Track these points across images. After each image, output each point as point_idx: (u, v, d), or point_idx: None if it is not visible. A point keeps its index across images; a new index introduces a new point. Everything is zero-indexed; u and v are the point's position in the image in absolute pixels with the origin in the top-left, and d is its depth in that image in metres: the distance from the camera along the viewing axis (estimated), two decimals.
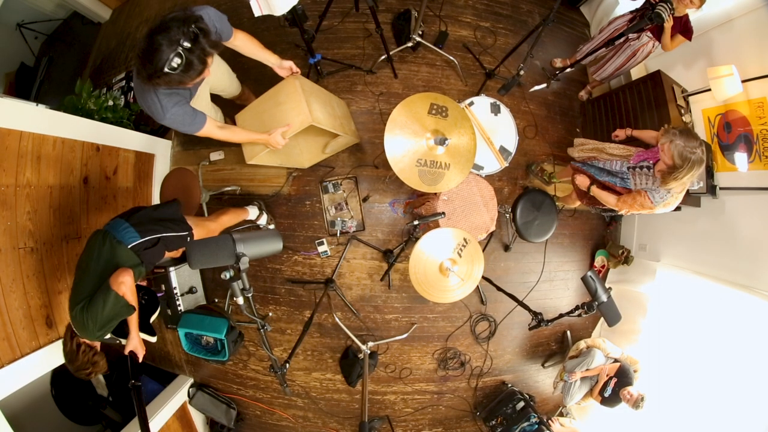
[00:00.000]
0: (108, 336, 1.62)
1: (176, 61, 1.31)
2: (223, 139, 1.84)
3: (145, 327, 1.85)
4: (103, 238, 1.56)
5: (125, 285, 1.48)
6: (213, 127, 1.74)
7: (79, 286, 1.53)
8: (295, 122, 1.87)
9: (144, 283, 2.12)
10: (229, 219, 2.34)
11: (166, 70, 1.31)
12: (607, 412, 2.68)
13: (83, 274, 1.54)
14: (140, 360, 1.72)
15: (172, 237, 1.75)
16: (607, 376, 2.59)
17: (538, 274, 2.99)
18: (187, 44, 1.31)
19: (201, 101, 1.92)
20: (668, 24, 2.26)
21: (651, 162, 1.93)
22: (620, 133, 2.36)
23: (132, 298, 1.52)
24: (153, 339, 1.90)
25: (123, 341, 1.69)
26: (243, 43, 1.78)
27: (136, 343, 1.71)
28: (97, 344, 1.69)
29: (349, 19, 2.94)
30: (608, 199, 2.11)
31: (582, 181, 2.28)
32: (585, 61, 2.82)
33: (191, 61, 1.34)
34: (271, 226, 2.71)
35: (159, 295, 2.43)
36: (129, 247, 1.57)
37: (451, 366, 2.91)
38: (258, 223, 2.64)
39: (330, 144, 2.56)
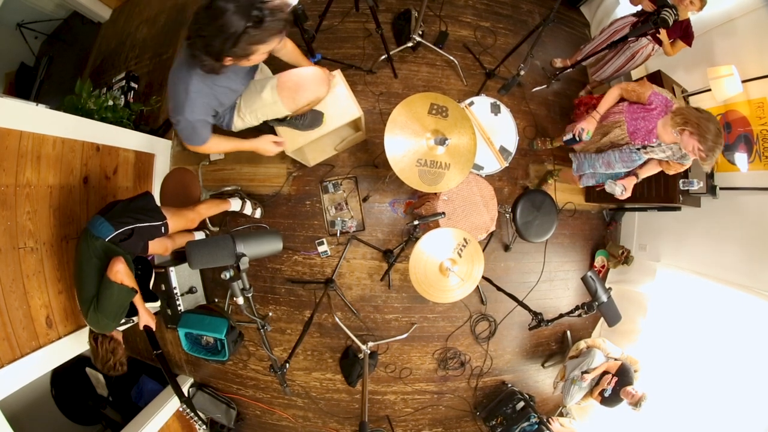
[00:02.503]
0: (123, 320, 1.77)
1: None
2: (216, 150, 1.88)
3: (147, 295, 2.01)
4: (86, 238, 1.67)
5: (120, 273, 1.62)
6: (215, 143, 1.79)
7: (83, 292, 1.67)
8: (340, 116, 2.06)
9: None
10: (207, 208, 2.36)
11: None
12: (607, 412, 2.68)
13: (81, 278, 1.67)
14: (154, 328, 1.90)
15: (145, 227, 1.82)
16: (605, 372, 2.59)
17: (538, 274, 2.99)
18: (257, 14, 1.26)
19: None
20: (664, 35, 2.29)
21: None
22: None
23: (130, 281, 1.66)
24: (158, 304, 2.08)
25: (135, 319, 1.88)
26: (288, 51, 1.81)
27: (146, 317, 1.87)
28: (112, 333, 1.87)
29: (349, 19, 2.94)
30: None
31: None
32: (585, 62, 2.82)
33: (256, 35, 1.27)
34: (258, 211, 2.70)
35: (150, 259, 2.53)
36: (107, 240, 1.67)
37: (451, 366, 2.91)
38: (244, 212, 2.63)
39: (343, 141, 2.57)
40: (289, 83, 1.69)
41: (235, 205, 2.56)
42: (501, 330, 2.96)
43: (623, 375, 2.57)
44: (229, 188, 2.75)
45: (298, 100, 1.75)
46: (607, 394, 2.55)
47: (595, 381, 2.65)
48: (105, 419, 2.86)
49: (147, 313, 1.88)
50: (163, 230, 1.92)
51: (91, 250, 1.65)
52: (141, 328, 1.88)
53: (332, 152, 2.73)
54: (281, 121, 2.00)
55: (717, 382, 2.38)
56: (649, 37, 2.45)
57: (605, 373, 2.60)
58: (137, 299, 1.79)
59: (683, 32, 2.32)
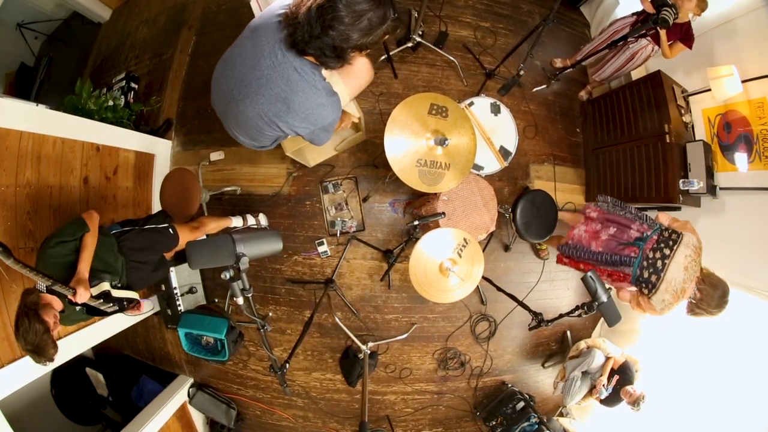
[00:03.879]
0: (57, 283, 1.39)
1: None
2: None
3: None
4: None
5: (90, 213, 1.61)
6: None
7: None
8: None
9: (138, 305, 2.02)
10: (210, 220, 2.42)
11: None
12: (607, 412, 2.68)
13: None
14: (77, 300, 1.44)
15: (151, 229, 1.85)
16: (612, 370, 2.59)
17: (538, 274, 2.99)
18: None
19: None
20: (663, 35, 2.28)
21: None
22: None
23: (93, 225, 1.58)
24: (104, 285, 1.61)
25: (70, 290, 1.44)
26: None
27: (82, 276, 1.47)
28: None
29: None
30: (624, 296, 1.95)
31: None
32: (585, 62, 2.82)
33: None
34: (262, 216, 2.71)
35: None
36: (111, 233, 1.70)
37: (451, 366, 2.91)
38: (249, 225, 2.65)
39: (343, 141, 2.58)
40: (352, 72, 1.62)
41: (236, 222, 2.58)
42: (501, 330, 2.96)
43: (624, 373, 2.57)
44: (229, 188, 2.76)
45: (359, 86, 1.75)
46: (607, 393, 2.55)
47: (596, 378, 2.65)
48: (105, 419, 2.86)
49: (85, 277, 1.47)
50: (171, 231, 1.94)
51: None
52: (69, 284, 1.43)
53: (332, 152, 2.73)
54: None
55: (717, 382, 2.38)
56: (648, 38, 2.45)
57: (612, 372, 2.60)
58: (86, 248, 1.51)
59: (684, 34, 2.33)
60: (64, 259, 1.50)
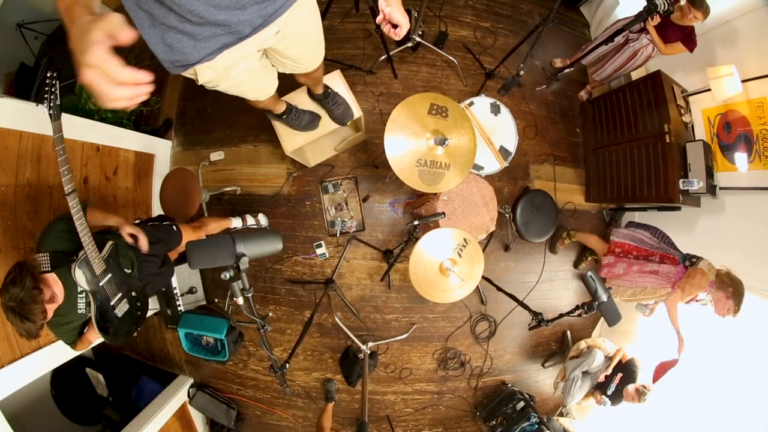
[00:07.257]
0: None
1: None
2: None
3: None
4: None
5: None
6: None
7: None
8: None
9: None
10: (211, 221, 2.42)
11: None
12: (607, 412, 2.68)
13: None
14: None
15: (156, 225, 1.86)
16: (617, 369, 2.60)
17: (538, 274, 2.99)
18: None
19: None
20: (650, 24, 2.27)
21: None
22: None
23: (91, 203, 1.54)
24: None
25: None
26: None
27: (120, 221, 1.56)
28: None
29: (349, 19, 2.94)
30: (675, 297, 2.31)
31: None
32: (585, 60, 2.82)
33: None
34: (261, 216, 2.71)
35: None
36: (116, 233, 1.66)
37: (451, 366, 2.91)
38: (249, 225, 2.65)
39: (343, 141, 2.59)
40: None
41: (236, 222, 2.59)
42: (501, 330, 2.96)
43: (627, 371, 2.58)
44: (229, 188, 2.76)
45: None
46: (610, 392, 2.55)
47: (596, 379, 2.65)
48: (105, 419, 2.86)
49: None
50: (174, 228, 1.95)
51: None
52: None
53: (332, 152, 2.74)
54: (279, 116, 2.00)
55: (717, 381, 2.38)
56: (649, 37, 2.45)
57: (617, 370, 2.60)
58: (96, 213, 1.61)
59: (685, 36, 2.33)
60: (66, 234, 1.44)
